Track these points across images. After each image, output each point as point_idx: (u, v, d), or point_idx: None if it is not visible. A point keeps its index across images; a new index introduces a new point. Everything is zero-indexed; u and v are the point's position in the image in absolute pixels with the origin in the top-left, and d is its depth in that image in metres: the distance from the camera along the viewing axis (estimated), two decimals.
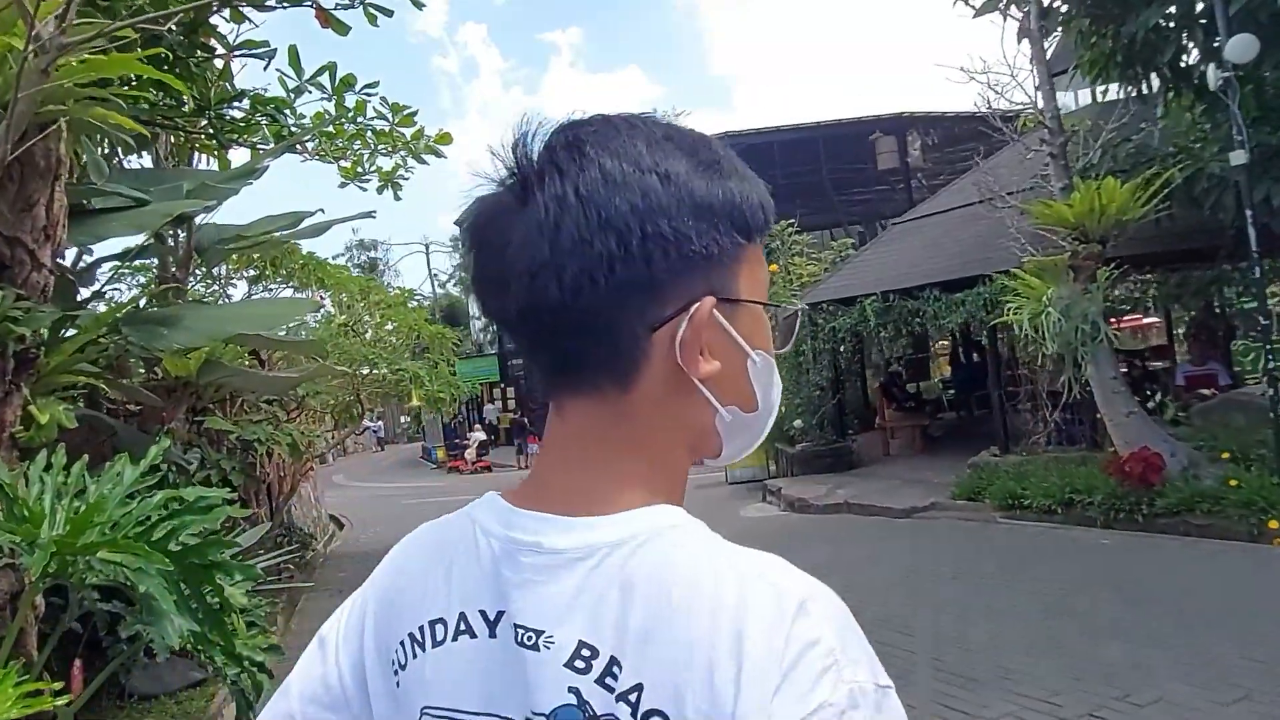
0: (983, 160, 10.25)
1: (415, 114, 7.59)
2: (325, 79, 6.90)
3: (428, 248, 35.16)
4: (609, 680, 0.58)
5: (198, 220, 5.75)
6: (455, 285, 32.27)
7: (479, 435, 25.97)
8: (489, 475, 23.43)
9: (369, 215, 6.39)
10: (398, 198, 8.40)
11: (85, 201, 4.29)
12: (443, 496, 18.76)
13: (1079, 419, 9.72)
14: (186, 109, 6.31)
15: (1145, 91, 8.76)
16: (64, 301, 4.07)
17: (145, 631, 2.93)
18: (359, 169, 7.96)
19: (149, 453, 3.09)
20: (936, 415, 14.81)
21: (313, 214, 5.59)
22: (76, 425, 4.43)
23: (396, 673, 0.68)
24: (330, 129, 7.42)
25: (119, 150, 6.06)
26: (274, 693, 0.75)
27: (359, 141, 7.70)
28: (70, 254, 5.28)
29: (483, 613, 0.64)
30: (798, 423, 13.13)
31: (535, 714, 0.60)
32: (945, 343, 19.04)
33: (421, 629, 0.66)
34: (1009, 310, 7.99)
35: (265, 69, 6.35)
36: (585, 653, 0.59)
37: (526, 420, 28.05)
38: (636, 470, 0.65)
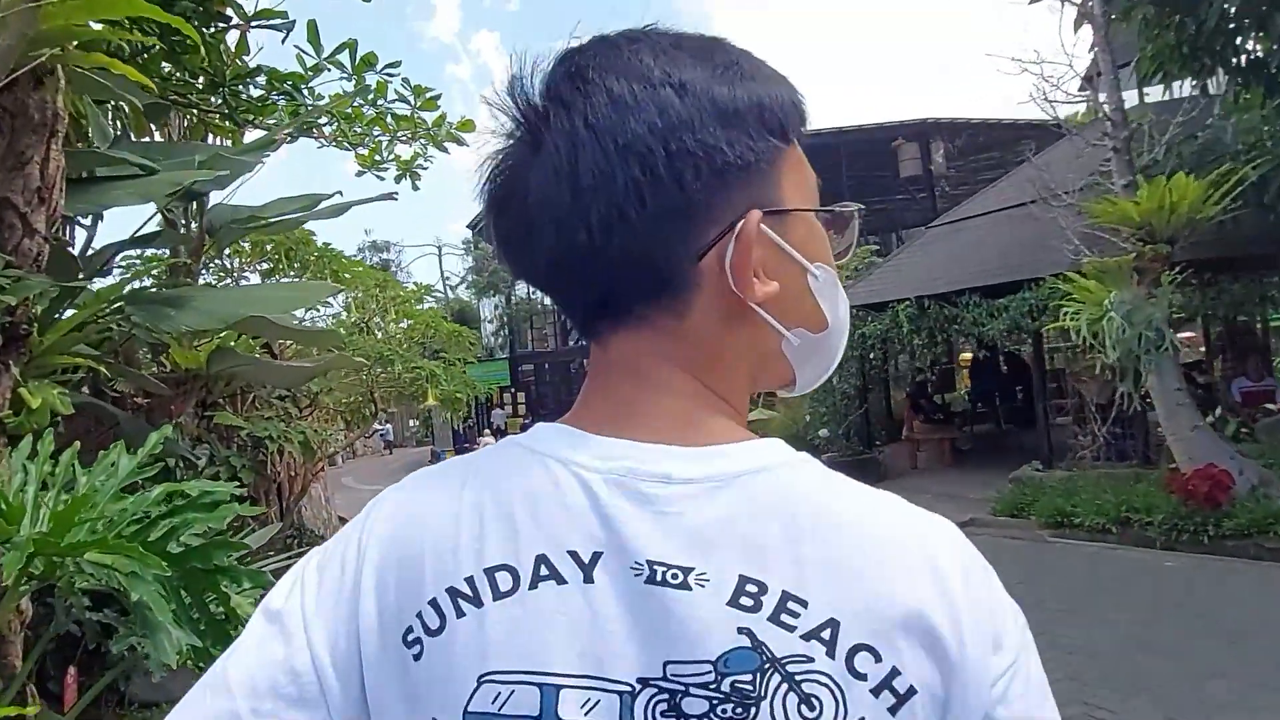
0: (1033, 157, 9.78)
1: (438, 98, 7.22)
2: (345, 57, 6.54)
3: (440, 249, 34.91)
4: (785, 618, 0.51)
5: (210, 201, 5.37)
6: (468, 288, 31.98)
7: (489, 439, 25.57)
8: None
9: (391, 197, 5.98)
10: (415, 187, 8.02)
11: (87, 172, 3.90)
12: None
13: (1129, 433, 9.24)
14: (199, 85, 5.94)
15: (1213, 87, 8.30)
16: (64, 277, 3.67)
17: (140, 644, 2.51)
18: (376, 157, 7.60)
19: (149, 440, 2.68)
20: (964, 428, 14.29)
21: (330, 196, 5.19)
22: (74, 412, 4.04)
23: (416, 643, 0.54)
24: (349, 112, 7.06)
25: (129, 129, 5.69)
26: (193, 686, 0.56)
27: (378, 127, 7.34)
28: (80, 238, 4.92)
29: (573, 554, 0.54)
30: (823, 432, 12.67)
31: (674, 662, 0.51)
32: (966, 354, 18.56)
33: (470, 581, 0.54)
34: (1065, 316, 7.53)
35: (284, 41, 5.97)
36: (751, 588, 0.52)
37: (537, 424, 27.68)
38: (712, 400, 0.60)
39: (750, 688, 0.50)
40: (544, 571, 0.53)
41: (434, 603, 0.54)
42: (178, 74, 5.81)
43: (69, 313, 3.77)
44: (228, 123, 6.58)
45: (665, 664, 0.51)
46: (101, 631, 2.75)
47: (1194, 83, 8.26)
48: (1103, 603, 6.08)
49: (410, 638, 0.54)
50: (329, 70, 6.39)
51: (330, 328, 6.77)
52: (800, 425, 13.85)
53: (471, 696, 0.52)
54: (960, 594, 0.53)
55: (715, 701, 0.50)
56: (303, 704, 0.55)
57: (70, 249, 4.13)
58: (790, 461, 0.57)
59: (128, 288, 4.56)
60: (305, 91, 6.51)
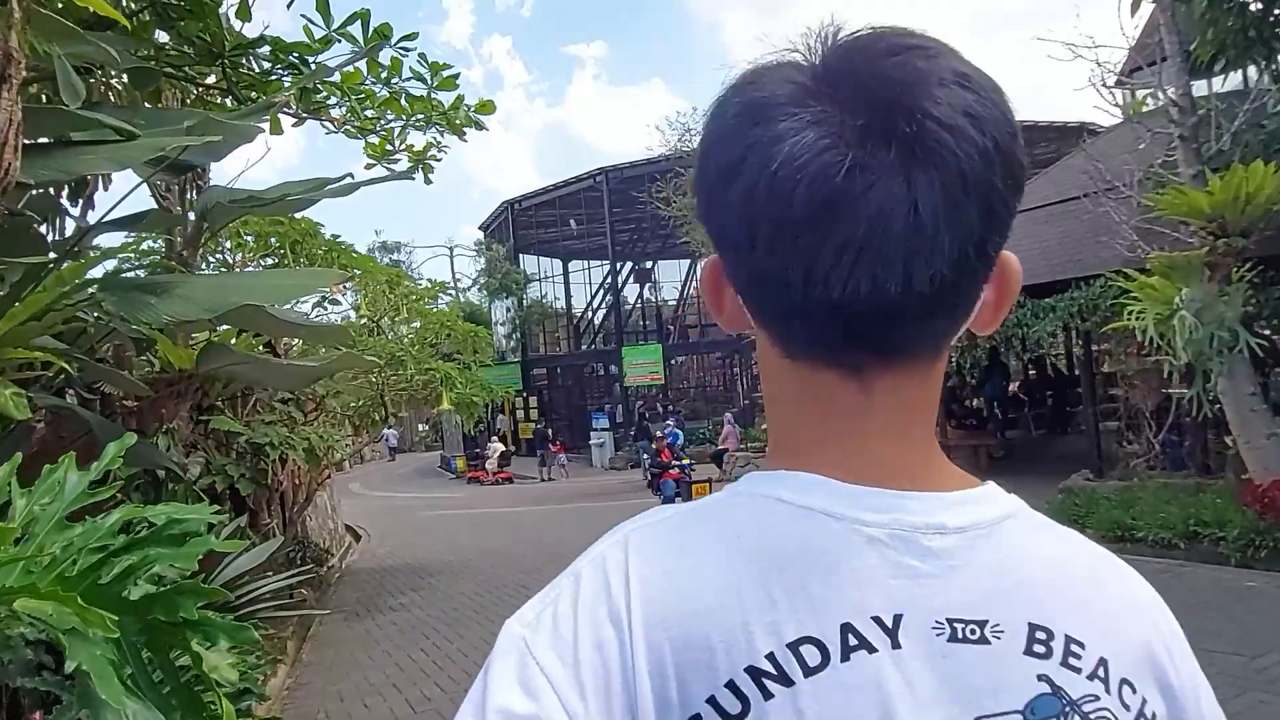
0: (1086, 148, 9.21)
1: (457, 76, 6.69)
2: (356, 29, 6.01)
3: (452, 251, 34.46)
4: (1071, 660, 0.54)
5: (209, 181, 4.87)
6: (479, 290, 31.52)
7: (499, 446, 25.05)
8: (510, 487, 22.51)
9: (408, 176, 5.48)
10: (428, 180, 7.49)
11: (56, 137, 3.39)
12: (464, 508, 17.85)
13: (1185, 440, 8.66)
14: (194, 55, 5.43)
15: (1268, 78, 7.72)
16: (27, 255, 3.15)
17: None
18: (388, 145, 7.07)
19: (106, 453, 2.14)
20: (1000, 434, 13.70)
21: (340, 179, 4.66)
22: (39, 417, 3.53)
23: None
24: (361, 93, 6.54)
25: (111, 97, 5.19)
26: None
27: (391, 110, 6.80)
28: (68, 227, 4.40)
29: (877, 619, 0.52)
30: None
31: (984, 717, 0.51)
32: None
33: (772, 658, 0.50)
34: (1129, 315, 6.95)
35: (289, 6, 5.46)
36: (1040, 635, 0.54)
37: (550, 430, 27.14)
38: (935, 442, 0.60)
39: None
40: (853, 641, 0.51)
41: (731, 685, 0.50)
42: (171, 43, 5.31)
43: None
44: (228, 99, 6.08)
45: (977, 719, 0.51)
46: (41, 701, 2.21)
47: (1266, 68, 7.68)
48: (1195, 629, 5.47)
49: None
50: (339, 43, 5.88)
51: (339, 325, 6.28)
52: None
53: None
54: (1165, 627, 0.59)
55: None
56: None
57: (40, 227, 3.61)
58: (1020, 506, 0.58)
59: (100, 269, 4.04)
60: (313, 66, 5.99)
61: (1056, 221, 10.59)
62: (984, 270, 0.55)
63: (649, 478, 14.42)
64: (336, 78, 6.19)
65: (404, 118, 6.92)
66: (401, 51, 6.20)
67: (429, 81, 6.57)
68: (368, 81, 6.53)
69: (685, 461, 13.19)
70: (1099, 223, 9.67)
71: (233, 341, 5.41)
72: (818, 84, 0.53)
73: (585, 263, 34.74)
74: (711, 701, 0.49)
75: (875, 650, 0.51)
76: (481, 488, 22.84)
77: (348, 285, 8.78)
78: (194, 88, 5.75)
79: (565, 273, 35.33)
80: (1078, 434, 16.90)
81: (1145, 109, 8.34)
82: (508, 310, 32.33)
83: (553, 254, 35.35)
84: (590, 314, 35.97)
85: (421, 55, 6.46)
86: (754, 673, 0.50)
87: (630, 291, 35.16)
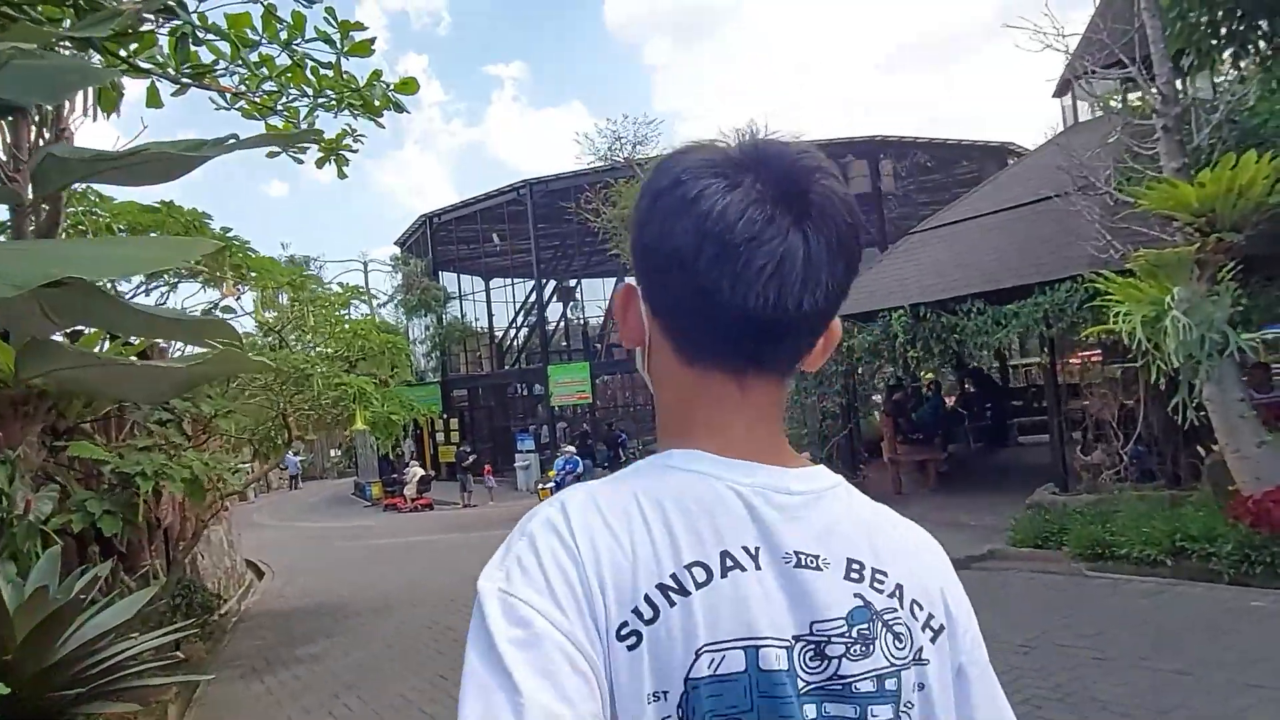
0: (1008, 165, 8.79)
1: (373, 41, 5.72)
2: None
3: (366, 266, 32.89)
4: (877, 584, 0.75)
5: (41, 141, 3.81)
6: (396, 306, 30.05)
7: (419, 470, 23.67)
8: (431, 514, 21.18)
9: (314, 138, 4.51)
10: (343, 174, 6.45)
11: None
12: (380, 538, 16.52)
13: (1156, 451, 8.27)
14: None
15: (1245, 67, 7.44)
16: None
17: None
18: (294, 128, 6.03)
19: None
20: (947, 448, 13.28)
21: (224, 139, 3.65)
22: None
23: (632, 634, 0.68)
24: (255, 57, 5.50)
25: None
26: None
27: (295, 82, 5.77)
28: None
29: (745, 549, 0.72)
30: (806, 455, 11.42)
31: (818, 621, 0.71)
32: (928, 375, 17.74)
33: (675, 577, 0.69)
34: (1116, 317, 6.44)
35: None
36: (855, 566, 0.75)
37: (472, 455, 25.88)
38: (783, 432, 0.82)
39: (869, 632, 0.73)
40: (729, 564, 0.71)
41: (647, 598, 0.68)
42: None
43: None
44: (90, 52, 4.98)
45: (811, 624, 0.72)
46: None
47: (1234, 64, 7.39)
48: (1208, 659, 4.91)
49: (625, 631, 0.68)
50: None
51: (219, 319, 5.21)
52: None
53: (691, 666, 0.68)
54: (949, 574, 0.82)
55: (848, 644, 0.72)
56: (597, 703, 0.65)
57: None
58: (842, 481, 0.81)
59: None
60: (194, 18, 4.95)
61: (1012, 227, 10.23)
62: (833, 310, 0.77)
63: None
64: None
65: (310, 94, 5.90)
66: (304, 2, 5.23)
67: (338, 45, 5.59)
68: (263, 43, 5.48)
69: None
70: (1062, 225, 9.30)
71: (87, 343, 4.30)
72: (745, 160, 0.75)
73: (508, 280, 33.63)
74: (635, 610, 0.68)
75: (745, 570, 0.71)
76: (399, 515, 21.44)
77: (242, 287, 7.64)
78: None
79: (487, 290, 34.14)
80: (1015, 446, 16.81)
81: (1114, 104, 7.94)
82: (427, 328, 30.92)
83: (474, 271, 34.13)
84: (515, 332, 34.85)
85: (329, 12, 5.48)
86: (662, 588, 0.69)
87: (554, 311, 34.23)
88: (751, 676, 0.68)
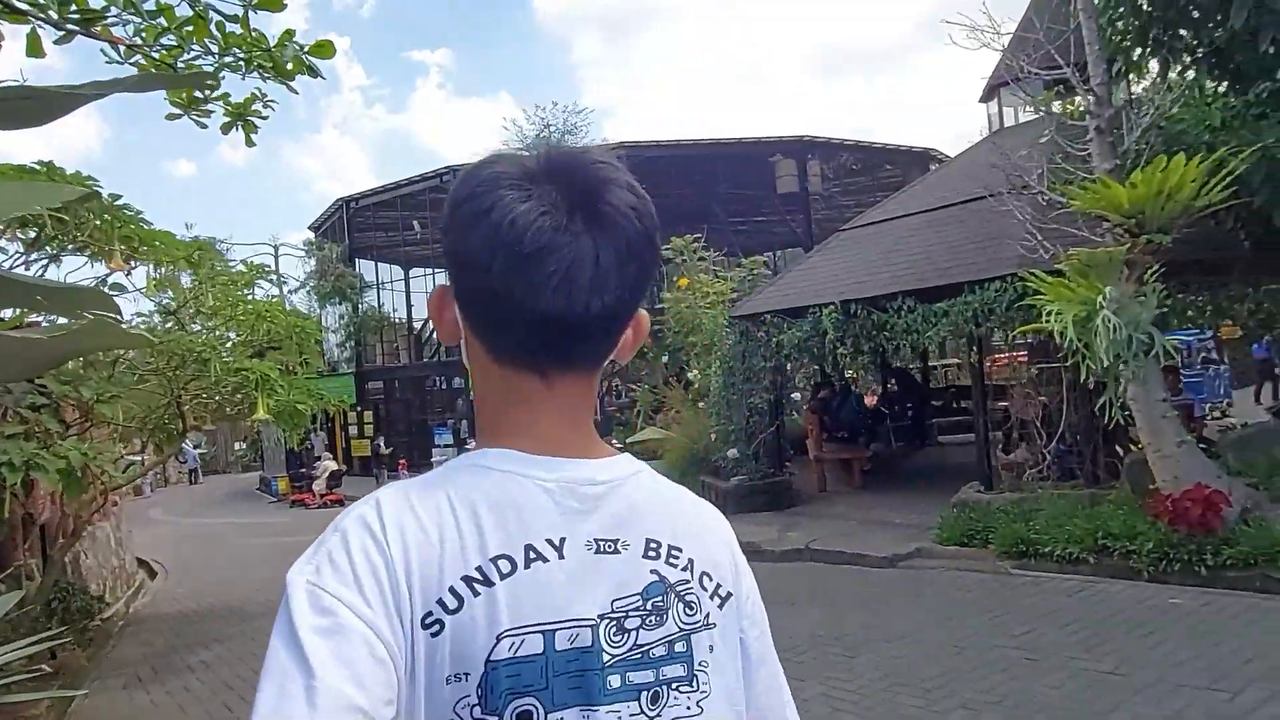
0: (941, 164, 8.82)
1: None
2: None
3: (277, 249, 31.49)
4: (671, 560, 0.84)
5: None
6: (308, 293, 28.81)
7: (330, 464, 22.72)
8: (341, 510, 20.30)
9: (207, 81, 4.01)
10: (250, 142, 5.92)
11: None
12: (286, 535, 15.67)
13: (1076, 450, 8.38)
14: None
15: (1174, 73, 7.58)
16: None
17: None
18: (196, 93, 5.48)
19: None
20: (868, 447, 13.34)
21: (107, 84, 3.16)
22: None
23: (436, 623, 0.73)
24: (152, 5, 4.95)
25: None
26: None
27: (196, 37, 5.23)
28: None
29: (549, 540, 0.79)
30: (732, 452, 11.30)
31: (619, 599, 0.80)
32: (849, 374, 17.88)
33: (480, 569, 0.76)
34: (1048, 316, 6.43)
35: None
36: (653, 545, 0.84)
37: (386, 448, 25.02)
38: (593, 427, 0.88)
39: (663, 603, 0.82)
40: (533, 555, 0.78)
41: (452, 589, 0.75)
42: None
43: None
44: None
45: (612, 601, 0.80)
46: None
47: (1163, 70, 7.51)
48: (1138, 657, 4.89)
49: (429, 620, 0.73)
50: None
51: (96, 288, 4.64)
52: (701, 445, 12.45)
53: (492, 649, 0.74)
54: (736, 549, 0.93)
55: (644, 616, 0.81)
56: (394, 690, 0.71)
57: None
58: (645, 468, 0.89)
59: None
60: None
61: (942, 227, 10.29)
62: (631, 313, 0.85)
63: None
64: None
65: (215, 51, 5.37)
66: None
67: None
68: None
69: None
70: (991, 225, 9.36)
71: None
72: (540, 172, 0.81)
73: (429, 270, 32.71)
74: (439, 601, 0.74)
75: (547, 560, 0.78)
76: (307, 511, 20.50)
77: (135, 263, 6.97)
78: None
79: (406, 279, 33.12)
80: (936, 446, 17.10)
81: (1048, 105, 7.98)
82: (341, 317, 29.78)
83: (392, 260, 33.05)
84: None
85: None
86: (466, 579, 0.75)
87: None
88: (548, 657, 0.75)
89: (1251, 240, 7.56)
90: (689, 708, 0.81)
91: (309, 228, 33.97)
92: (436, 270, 32.36)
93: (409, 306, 32.58)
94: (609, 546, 0.81)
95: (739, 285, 16.86)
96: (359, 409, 28.28)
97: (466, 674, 0.73)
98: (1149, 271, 6.49)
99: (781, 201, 27.50)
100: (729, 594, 0.87)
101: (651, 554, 0.83)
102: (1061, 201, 7.25)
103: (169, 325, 8.50)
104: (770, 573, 8.44)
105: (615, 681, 0.77)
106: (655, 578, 0.82)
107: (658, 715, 0.79)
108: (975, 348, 8.84)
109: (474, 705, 0.73)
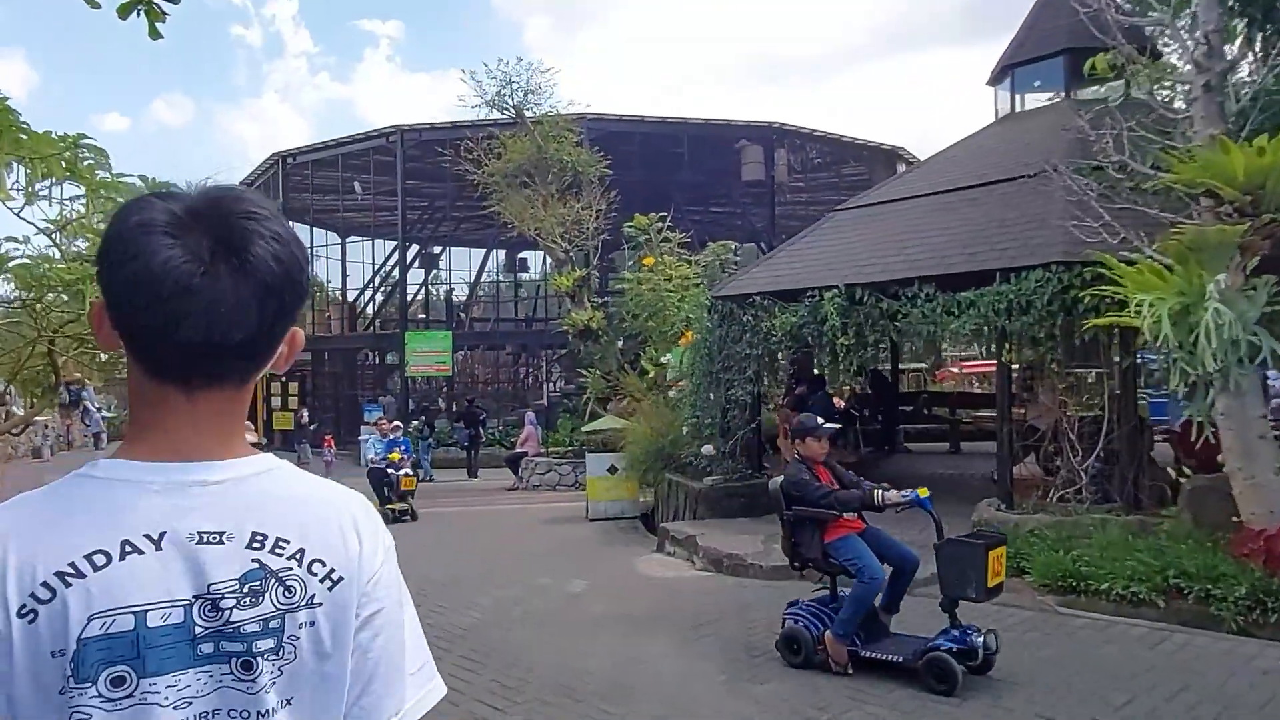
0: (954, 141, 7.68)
1: None
2: None
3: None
4: (278, 550, 0.95)
5: None
6: None
7: (249, 436, 20.66)
8: None
9: None
10: (155, 33, 4.44)
11: None
12: None
13: (1118, 470, 7.34)
14: None
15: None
16: None
17: None
18: None
19: None
20: (856, 451, 12.25)
21: None
22: None
23: (30, 612, 0.87)
24: None
25: None
26: None
27: None
28: None
29: (148, 536, 0.90)
30: (707, 449, 10.02)
31: (215, 583, 0.91)
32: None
33: (73, 565, 0.88)
34: (1147, 309, 5.29)
35: None
36: (259, 537, 0.94)
37: (310, 421, 23.11)
38: (239, 429, 1.01)
39: (260, 587, 0.93)
40: (128, 550, 0.89)
41: (45, 584, 0.87)
42: None
43: None
44: None
45: (209, 585, 0.91)
46: None
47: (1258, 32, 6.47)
48: None
49: (24, 610, 0.87)
50: None
51: None
52: (666, 439, 11.14)
53: (84, 628, 0.87)
54: (369, 539, 1.02)
55: (240, 597, 0.92)
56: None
57: None
58: (277, 466, 1.02)
59: None
60: None
61: (959, 209, 9.17)
62: (280, 336, 0.99)
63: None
64: None
65: None
66: None
67: None
68: None
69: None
70: (1023, 208, 8.28)
71: None
72: (186, 216, 0.93)
73: (367, 239, 30.63)
74: (33, 594, 0.87)
75: (143, 553, 0.90)
76: None
77: (13, 166, 5.31)
78: None
79: (343, 247, 30.99)
80: (904, 453, 16.16)
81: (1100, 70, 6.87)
82: None
83: (330, 225, 30.90)
84: (371, 295, 31.87)
85: None
86: (59, 575, 0.87)
87: (414, 276, 31.52)
88: (139, 633, 0.88)
89: None
90: (272, 673, 0.93)
91: (240, 185, 31.43)
92: (376, 239, 30.43)
93: (344, 276, 30.52)
94: (214, 538, 0.92)
95: (707, 269, 15.61)
96: (283, 379, 26.21)
97: (63, 650, 0.86)
98: (1254, 260, 5.42)
99: (745, 189, 26.38)
100: (341, 578, 0.97)
101: (256, 545, 0.94)
102: (1134, 179, 6.14)
103: (48, 249, 6.81)
104: (766, 594, 7.17)
105: (207, 649, 0.91)
106: (256, 565, 0.93)
107: (251, 679, 0.92)
108: (1004, 345, 7.72)
109: (70, 675, 0.86)
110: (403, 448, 13.52)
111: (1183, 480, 6.73)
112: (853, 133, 27.50)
